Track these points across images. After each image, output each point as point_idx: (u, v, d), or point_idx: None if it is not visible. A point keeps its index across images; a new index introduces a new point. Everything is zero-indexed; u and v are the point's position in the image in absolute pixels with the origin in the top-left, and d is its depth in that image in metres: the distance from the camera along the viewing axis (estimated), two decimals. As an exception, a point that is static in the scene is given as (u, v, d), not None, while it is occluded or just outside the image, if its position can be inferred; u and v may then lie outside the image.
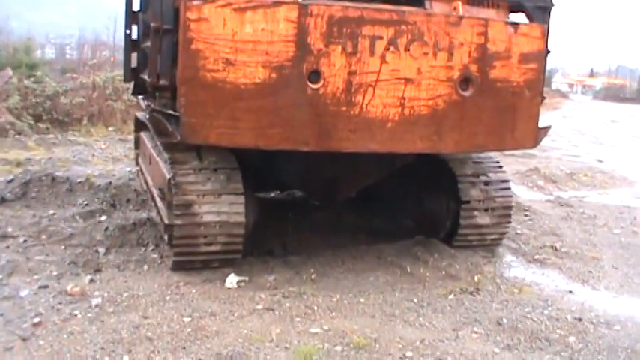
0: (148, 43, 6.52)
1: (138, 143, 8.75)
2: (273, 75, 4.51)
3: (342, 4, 4.61)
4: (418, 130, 4.86)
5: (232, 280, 5.06)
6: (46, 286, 4.77)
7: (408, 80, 4.74)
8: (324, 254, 5.83)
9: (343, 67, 4.59)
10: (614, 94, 53.18)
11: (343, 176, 6.05)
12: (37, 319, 4.14)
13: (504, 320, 4.45)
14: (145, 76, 5.91)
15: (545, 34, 5.21)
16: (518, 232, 6.78)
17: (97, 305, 4.41)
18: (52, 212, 6.73)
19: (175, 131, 4.64)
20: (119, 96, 13.10)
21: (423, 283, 5.19)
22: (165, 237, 5.82)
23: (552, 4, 5.41)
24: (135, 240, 5.99)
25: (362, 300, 4.76)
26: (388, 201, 7.04)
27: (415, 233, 6.29)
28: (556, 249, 6.26)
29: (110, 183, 7.52)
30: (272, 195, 7.60)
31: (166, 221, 5.71)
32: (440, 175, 6.12)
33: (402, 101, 4.77)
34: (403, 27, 4.67)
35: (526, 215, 7.48)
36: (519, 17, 5.45)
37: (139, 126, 8.69)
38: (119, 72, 14.39)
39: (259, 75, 4.50)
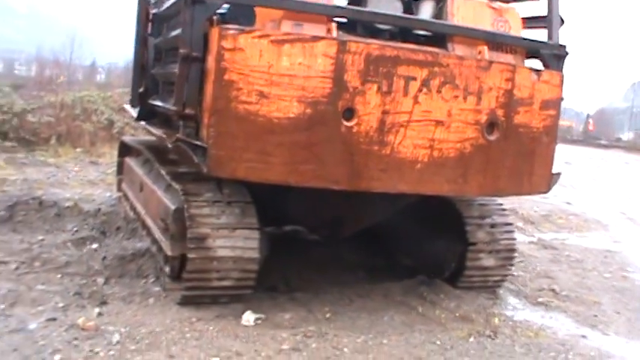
0: (160, 69, 6.44)
1: (121, 168, 8.50)
2: (308, 110, 4.44)
3: (379, 42, 4.60)
4: (445, 172, 4.86)
5: (249, 317, 4.89)
6: (54, 319, 4.52)
7: (438, 122, 4.75)
8: (331, 292, 5.74)
9: (377, 106, 4.56)
10: (562, 135, 54.87)
11: (349, 214, 6.00)
12: (57, 357, 3.90)
13: (533, 365, 4.46)
14: (156, 102, 5.78)
15: (563, 82, 5.33)
16: (514, 273, 6.83)
17: (117, 342, 4.18)
18: (41, 238, 6.44)
19: (201, 163, 4.49)
20: (88, 117, 12.72)
21: (439, 324, 5.14)
22: (167, 269, 5.64)
23: (567, 53, 5.54)
24: (134, 271, 5.77)
25: (385, 342, 4.67)
26: (387, 239, 7.00)
27: (414, 272, 6.27)
28: (556, 292, 6.33)
29: (99, 209, 7.25)
30: (268, 229, 7.46)
31: (169, 253, 5.53)
32: (445, 216, 6.13)
33: (432, 143, 4.76)
34: (436, 69, 4.69)
35: (516, 257, 7.55)
36: (535, 63, 5.58)
37: (124, 151, 8.47)
38: (88, 92, 14.08)
39: (294, 110, 4.42)
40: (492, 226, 6.03)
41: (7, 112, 11.68)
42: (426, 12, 5.32)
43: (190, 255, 4.96)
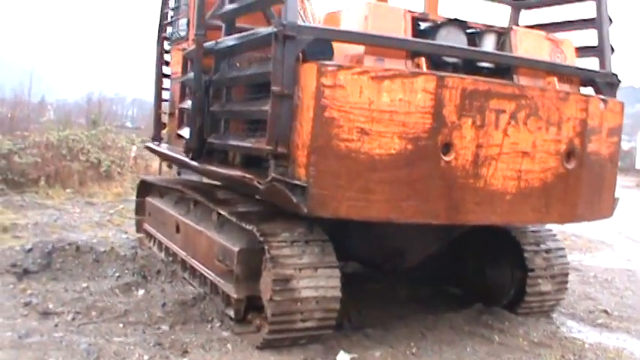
0: (186, 105, 6.31)
1: (141, 209, 8.23)
2: (409, 146, 4.43)
3: (472, 77, 4.65)
4: (531, 202, 4.92)
5: (343, 357, 4.80)
6: (150, 374, 4.32)
7: (524, 153, 4.82)
8: (398, 326, 5.69)
9: (472, 140, 4.60)
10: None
11: (411, 246, 5.99)
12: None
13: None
14: (212, 140, 5.64)
15: (623, 110, 5.51)
16: (557, 297, 6.94)
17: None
18: (85, 285, 6.15)
19: (301, 203, 4.40)
20: (74, 156, 12.30)
21: (524, 352, 5.18)
22: (231, 312, 5.49)
23: (619, 81, 5.73)
24: (197, 316, 5.58)
25: (485, 375, 4.67)
26: (435, 269, 6.99)
27: (464, 301, 6.30)
28: (608, 313, 6.47)
29: (136, 253, 6.99)
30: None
31: (234, 296, 5.41)
32: (502, 243, 6.19)
33: (519, 174, 4.83)
34: (523, 101, 4.77)
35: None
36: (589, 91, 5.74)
37: (144, 191, 8.22)
38: (71, 131, 13.64)
39: (395, 146, 4.41)
40: (547, 251, 6.14)
41: (-6, 154, 11.21)
42: (488, 44, 5.41)
43: (275, 297, 4.84)
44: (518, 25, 6.51)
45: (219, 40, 5.55)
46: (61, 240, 6.93)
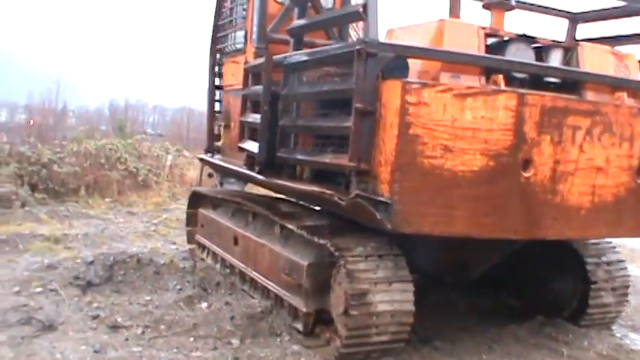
0: (248, 118, 6.38)
1: (192, 220, 8.30)
2: (491, 163, 4.48)
3: (551, 94, 4.71)
4: (604, 216, 4.96)
5: (420, 372, 4.85)
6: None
7: (598, 169, 4.86)
8: (463, 338, 5.74)
9: (550, 156, 4.65)
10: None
11: (475, 258, 6.04)
12: None
13: None
14: (282, 154, 5.69)
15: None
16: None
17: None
18: (148, 298, 6.22)
19: (385, 219, 4.45)
20: (112, 165, 12.41)
21: (596, 366, 5.22)
22: (299, 326, 5.54)
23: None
24: (267, 329, 5.62)
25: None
26: (493, 281, 7.02)
27: (522, 312, 6.33)
28: (666, 325, 6.48)
29: (195, 265, 7.05)
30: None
31: (304, 309, 5.46)
32: (562, 255, 6.22)
33: (593, 189, 4.87)
34: (597, 118, 4.81)
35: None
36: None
37: (196, 202, 8.28)
38: (107, 140, 13.77)
39: (477, 163, 4.46)
40: (609, 264, 6.17)
41: (35, 163, 11.30)
42: (555, 59, 5.47)
43: (352, 312, 4.89)
44: (575, 39, 6.56)
45: (288, 54, 5.61)
46: (123, 252, 7.01)
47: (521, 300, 6.77)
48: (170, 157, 14.15)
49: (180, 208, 11.79)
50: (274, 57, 5.67)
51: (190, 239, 8.27)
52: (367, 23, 4.52)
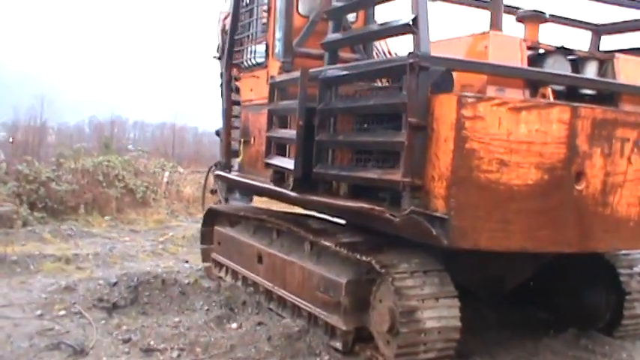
0: (276, 134, 6.28)
1: (207, 238, 8.13)
2: (545, 176, 4.45)
3: (601, 107, 4.70)
4: (651, 227, 4.96)
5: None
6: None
7: (646, 180, 4.86)
8: (500, 353, 5.68)
9: (601, 169, 4.64)
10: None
11: (510, 271, 6.00)
12: None
13: None
14: (319, 170, 5.59)
15: None
16: None
17: None
18: (176, 319, 6.06)
19: (441, 235, 4.39)
20: (110, 183, 12.18)
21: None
22: (338, 344, 5.44)
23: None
24: (305, 349, 5.49)
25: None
26: (524, 294, 6.97)
27: (552, 325, 6.31)
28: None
29: (219, 285, 6.90)
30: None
31: (343, 327, 5.37)
32: (594, 267, 6.21)
33: (640, 200, 4.87)
34: (644, 129, 4.82)
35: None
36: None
37: (211, 220, 8.13)
38: (104, 157, 13.53)
39: (532, 176, 4.42)
40: (640, 274, 6.16)
41: (33, 182, 11.03)
42: (591, 71, 5.48)
43: (401, 329, 4.82)
44: (599, 49, 6.61)
45: (325, 68, 5.54)
46: (147, 273, 6.84)
47: (551, 312, 6.73)
48: (167, 173, 13.96)
49: (182, 225, 11.64)
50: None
51: (205, 258, 8.10)
52: (418, 36, 4.47)
